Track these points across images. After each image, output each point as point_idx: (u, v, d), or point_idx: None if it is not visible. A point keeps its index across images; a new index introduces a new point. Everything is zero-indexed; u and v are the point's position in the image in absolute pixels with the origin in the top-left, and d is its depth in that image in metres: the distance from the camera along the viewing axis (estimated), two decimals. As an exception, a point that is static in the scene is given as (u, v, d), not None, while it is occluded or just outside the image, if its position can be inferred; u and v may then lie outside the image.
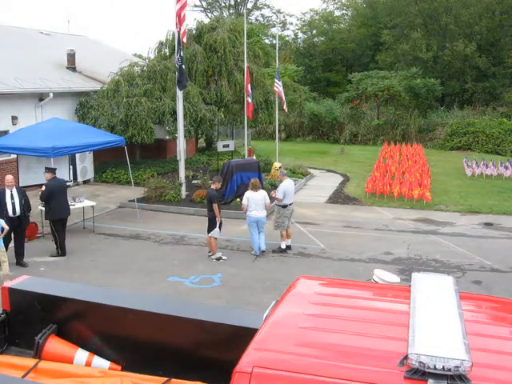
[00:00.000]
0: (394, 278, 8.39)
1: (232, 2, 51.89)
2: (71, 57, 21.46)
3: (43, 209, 12.53)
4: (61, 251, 11.08)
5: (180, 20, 14.69)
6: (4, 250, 9.34)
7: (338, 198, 17.32)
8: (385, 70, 37.20)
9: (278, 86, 20.79)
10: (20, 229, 10.46)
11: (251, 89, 19.75)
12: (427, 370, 2.78)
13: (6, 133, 15.40)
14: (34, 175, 13.32)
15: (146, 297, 6.09)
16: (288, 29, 54.17)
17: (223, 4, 52.43)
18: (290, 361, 3.03)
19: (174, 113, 18.04)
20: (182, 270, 10.29)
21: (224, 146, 19.86)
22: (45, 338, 4.96)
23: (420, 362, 2.80)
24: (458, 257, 11.23)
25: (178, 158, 16.12)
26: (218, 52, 21.77)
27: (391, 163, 22.16)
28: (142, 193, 16.13)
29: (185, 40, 15.49)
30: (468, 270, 10.46)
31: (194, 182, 18.26)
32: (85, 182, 18.74)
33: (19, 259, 10.45)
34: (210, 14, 50.83)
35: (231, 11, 50.68)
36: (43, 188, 11.09)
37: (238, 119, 25.18)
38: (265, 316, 3.77)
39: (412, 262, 10.87)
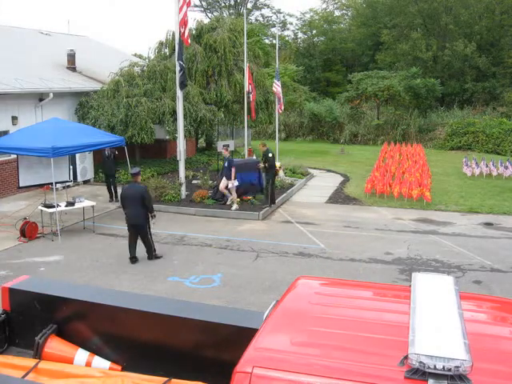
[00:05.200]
0: None
1: (232, 2, 51.89)
2: (71, 57, 21.46)
3: (43, 209, 12.58)
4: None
5: (184, 20, 14.70)
6: None
7: (338, 198, 17.32)
8: (385, 70, 37.22)
9: (277, 87, 20.77)
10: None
11: (253, 89, 19.73)
12: (427, 370, 2.78)
13: (6, 133, 15.41)
14: (34, 175, 13.31)
15: (146, 297, 6.09)
16: (288, 29, 54.23)
17: (223, 4, 52.43)
18: (290, 361, 3.03)
19: (174, 113, 18.05)
20: (182, 270, 10.29)
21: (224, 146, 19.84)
22: (45, 338, 4.96)
23: (420, 362, 2.79)
24: (458, 257, 11.22)
25: (178, 158, 16.12)
26: (218, 52, 21.79)
27: (391, 163, 22.16)
28: (141, 193, 16.11)
29: (189, 41, 15.55)
30: (468, 269, 10.46)
31: (194, 181, 18.27)
32: (85, 182, 18.75)
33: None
34: (209, 14, 50.86)
35: (231, 11, 50.67)
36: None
37: (237, 119, 25.20)
38: (265, 316, 3.77)
39: (412, 262, 10.86)
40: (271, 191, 15.13)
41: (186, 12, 14.77)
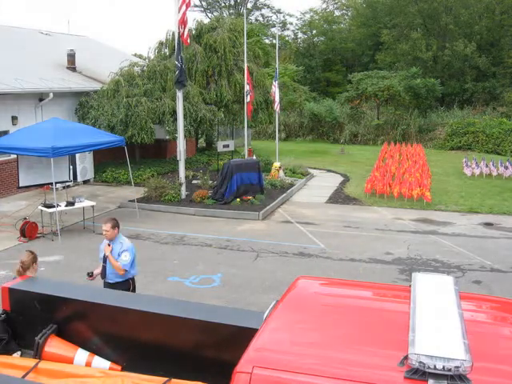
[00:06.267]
0: None
1: (232, 2, 51.89)
2: (71, 57, 21.46)
3: (43, 209, 12.58)
4: None
5: (183, 20, 14.70)
6: None
7: (338, 198, 17.32)
8: (385, 70, 37.21)
9: (274, 88, 20.75)
10: None
11: (251, 89, 19.68)
12: (427, 370, 2.78)
13: (6, 133, 15.40)
14: (34, 175, 13.31)
15: (146, 297, 6.08)
16: (288, 29, 54.20)
17: (223, 4, 52.43)
18: (290, 361, 3.03)
19: (174, 113, 18.05)
20: (182, 270, 10.29)
21: (224, 146, 19.87)
22: (45, 338, 4.96)
23: (420, 362, 2.79)
24: (458, 257, 11.22)
25: (178, 158, 16.12)
26: (218, 52, 21.78)
27: (391, 163, 22.16)
28: (141, 193, 16.13)
29: (188, 41, 15.53)
30: (468, 269, 10.46)
31: (194, 181, 18.27)
32: (85, 182, 18.75)
33: None
34: (209, 14, 50.86)
35: (231, 11, 50.67)
36: None
37: (237, 119, 25.20)
38: (265, 316, 3.77)
39: (412, 262, 10.87)
40: None
41: (185, 12, 14.77)
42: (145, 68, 20.60)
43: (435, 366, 2.77)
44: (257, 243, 12.10)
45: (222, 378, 3.77)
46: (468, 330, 3.08)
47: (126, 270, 6.83)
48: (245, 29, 20.61)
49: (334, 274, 9.97)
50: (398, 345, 3.05)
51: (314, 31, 50.50)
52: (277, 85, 20.78)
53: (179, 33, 14.93)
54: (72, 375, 4.50)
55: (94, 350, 5.01)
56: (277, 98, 20.77)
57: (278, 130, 24.36)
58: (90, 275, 6.94)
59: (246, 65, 19.94)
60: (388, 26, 41.31)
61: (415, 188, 16.62)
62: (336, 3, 52.21)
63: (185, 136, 17.51)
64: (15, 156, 13.74)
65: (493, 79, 37.44)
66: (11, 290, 5.30)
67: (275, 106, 21.07)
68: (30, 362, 4.67)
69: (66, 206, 12.78)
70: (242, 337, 3.91)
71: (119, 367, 4.90)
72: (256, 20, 52.48)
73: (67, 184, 15.56)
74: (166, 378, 4.27)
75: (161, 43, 22.91)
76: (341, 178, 21.03)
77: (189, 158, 22.40)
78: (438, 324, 3.14)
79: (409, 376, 2.81)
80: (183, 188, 16.06)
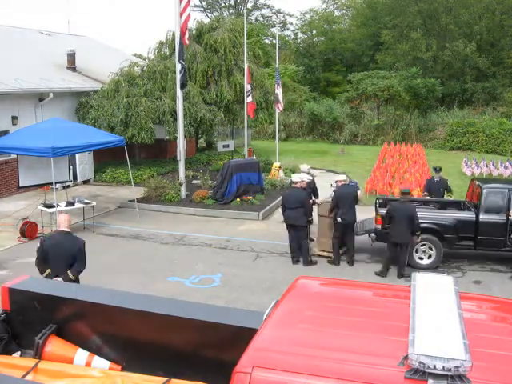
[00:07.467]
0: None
1: (232, 2, 51.92)
2: (71, 57, 21.46)
3: (43, 209, 12.58)
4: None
5: (186, 23, 14.74)
6: None
7: (338, 198, 17.27)
8: (385, 70, 37.20)
9: (278, 88, 20.75)
10: None
11: (252, 88, 19.67)
12: (427, 370, 2.79)
13: (6, 133, 15.40)
14: (34, 175, 13.30)
15: (146, 297, 6.08)
16: (288, 29, 54.23)
17: (223, 4, 52.46)
18: (290, 361, 3.03)
19: (174, 113, 18.04)
20: (182, 270, 10.29)
21: (224, 146, 19.86)
22: (45, 338, 4.95)
23: (420, 362, 2.80)
24: (458, 257, 11.21)
25: (178, 158, 16.12)
26: (218, 52, 21.79)
27: (391, 163, 22.16)
28: (142, 193, 16.13)
29: (187, 41, 15.53)
30: (468, 270, 10.46)
31: (194, 181, 18.26)
32: (85, 182, 18.74)
33: None
34: (210, 14, 50.87)
35: (231, 11, 50.71)
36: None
37: (237, 119, 25.20)
38: (265, 316, 3.77)
39: (412, 262, 10.84)
40: None
41: (189, 13, 14.86)
42: (145, 68, 20.60)
43: (435, 366, 2.77)
44: (257, 243, 12.10)
45: (222, 378, 3.77)
46: (468, 330, 3.08)
47: None
48: (245, 29, 20.62)
49: (334, 274, 9.96)
50: (398, 345, 3.06)
51: (314, 31, 50.50)
52: (279, 82, 20.78)
53: (181, 34, 14.93)
54: (72, 375, 4.50)
55: (94, 350, 5.01)
56: (280, 99, 20.77)
57: (278, 130, 24.35)
58: None
59: (246, 65, 19.95)
60: (388, 26, 41.30)
61: (415, 188, 16.60)
62: (336, 3, 52.23)
63: (185, 136, 17.51)
64: (15, 156, 13.74)
65: (493, 79, 37.43)
66: (11, 290, 5.30)
67: (279, 107, 21.06)
68: (29, 362, 4.67)
69: (66, 206, 12.78)
70: (241, 337, 3.91)
71: (119, 367, 4.90)
72: (256, 20, 52.50)
73: (67, 184, 15.56)
74: (165, 378, 4.27)
75: (161, 43, 22.92)
76: (341, 178, 20.97)
77: (189, 157, 22.39)
78: (438, 324, 3.14)
79: (409, 376, 2.82)
80: (183, 188, 16.06)
